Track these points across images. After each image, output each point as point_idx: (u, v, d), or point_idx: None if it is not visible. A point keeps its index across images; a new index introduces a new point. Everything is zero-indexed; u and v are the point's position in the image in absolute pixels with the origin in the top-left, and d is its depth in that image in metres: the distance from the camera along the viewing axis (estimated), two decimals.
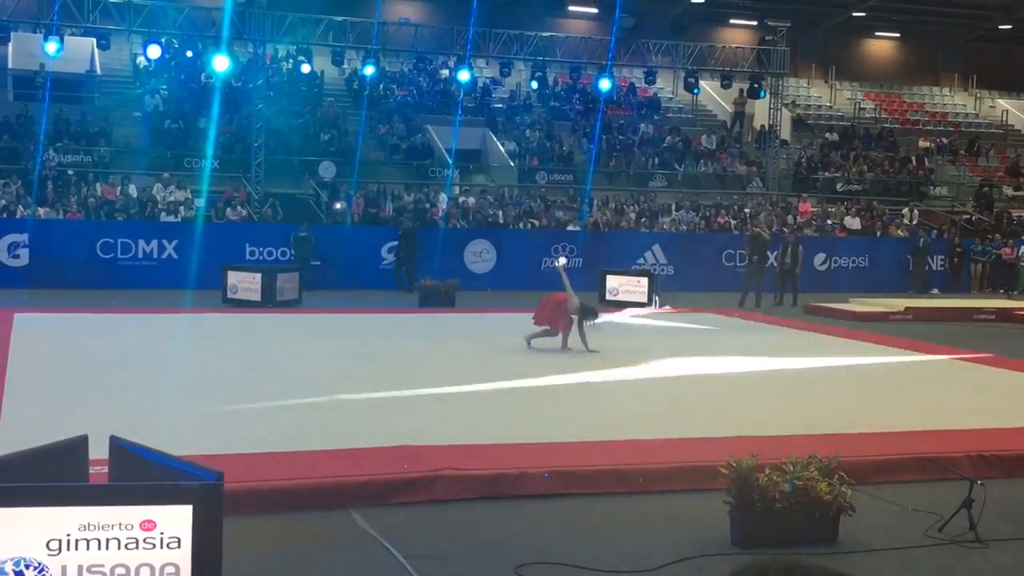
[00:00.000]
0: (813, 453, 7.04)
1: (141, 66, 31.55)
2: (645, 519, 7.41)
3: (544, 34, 31.61)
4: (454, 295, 20.88)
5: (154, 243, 23.24)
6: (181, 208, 25.20)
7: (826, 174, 35.08)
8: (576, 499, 7.75)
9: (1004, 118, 42.95)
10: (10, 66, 30.77)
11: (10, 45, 29.29)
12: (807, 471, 6.75)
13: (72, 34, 27.99)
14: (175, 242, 23.29)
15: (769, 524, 6.63)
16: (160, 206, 25.10)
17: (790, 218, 30.19)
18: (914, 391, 12.49)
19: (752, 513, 6.64)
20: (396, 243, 24.23)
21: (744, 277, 23.45)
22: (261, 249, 23.93)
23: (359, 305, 20.44)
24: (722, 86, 34.77)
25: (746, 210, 30.51)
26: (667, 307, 21.55)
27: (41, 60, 28.46)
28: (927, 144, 38.72)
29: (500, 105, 35.14)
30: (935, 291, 27.80)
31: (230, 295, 20.10)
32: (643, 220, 29.20)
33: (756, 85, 32.26)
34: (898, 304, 22.04)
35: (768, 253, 23.83)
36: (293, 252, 23.63)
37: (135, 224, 24.07)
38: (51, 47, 25.52)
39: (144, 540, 4.65)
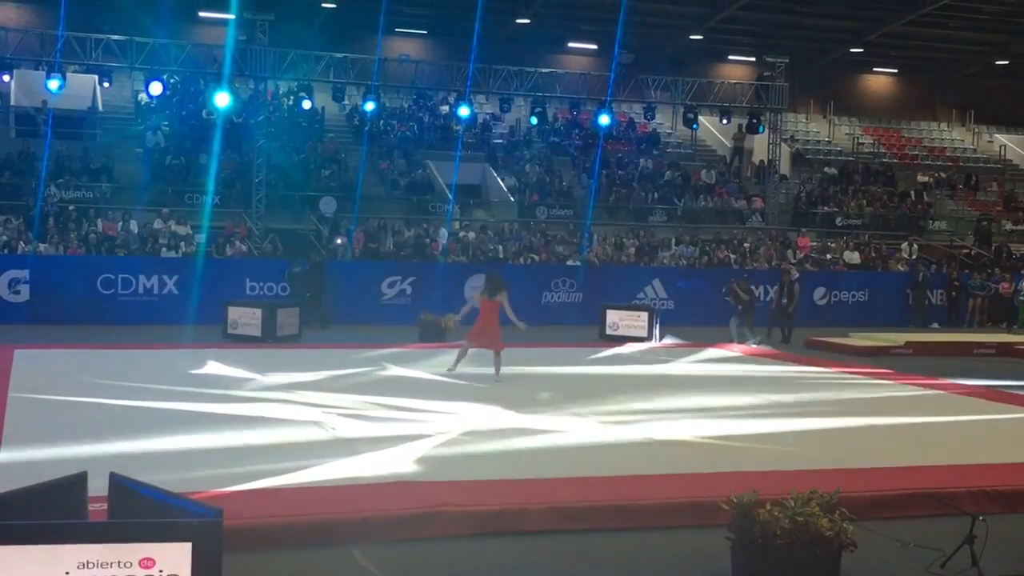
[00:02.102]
0: (814, 488, 7.01)
1: (143, 103, 31.71)
2: (647, 555, 7.38)
3: (544, 70, 31.79)
4: (454, 330, 20.85)
5: (155, 279, 23.24)
6: (182, 243, 25.24)
7: (825, 209, 35.16)
8: (577, 535, 7.72)
9: (1002, 153, 43.10)
10: (12, 103, 30.92)
11: (13, 82, 29.45)
12: (808, 507, 6.72)
13: (74, 71, 28.14)
14: (176, 277, 23.30)
15: (770, 560, 6.59)
16: (161, 241, 25.13)
17: (790, 253, 30.22)
18: (915, 426, 12.46)
19: (753, 549, 6.61)
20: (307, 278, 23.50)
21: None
22: (261, 284, 23.91)
23: (359, 340, 20.41)
24: (721, 121, 34.93)
25: (745, 244, 30.55)
26: (667, 341, 21.54)
27: (43, 97, 28.60)
28: (926, 179, 38.84)
29: (500, 140, 35.29)
30: (935, 325, 27.79)
31: (231, 330, 20.10)
32: (643, 255, 29.24)
33: (755, 120, 32.39)
34: (899, 338, 22.02)
35: (750, 307, 22.99)
36: (288, 288, 23.59)
37: (136, 260, 24.08)
38: (53, 84, 25.63)
39: None
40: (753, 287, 23.24)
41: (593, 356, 19.00)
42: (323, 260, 24.33)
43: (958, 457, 10.34)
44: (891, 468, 9.68)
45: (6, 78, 28.32)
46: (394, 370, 16.15)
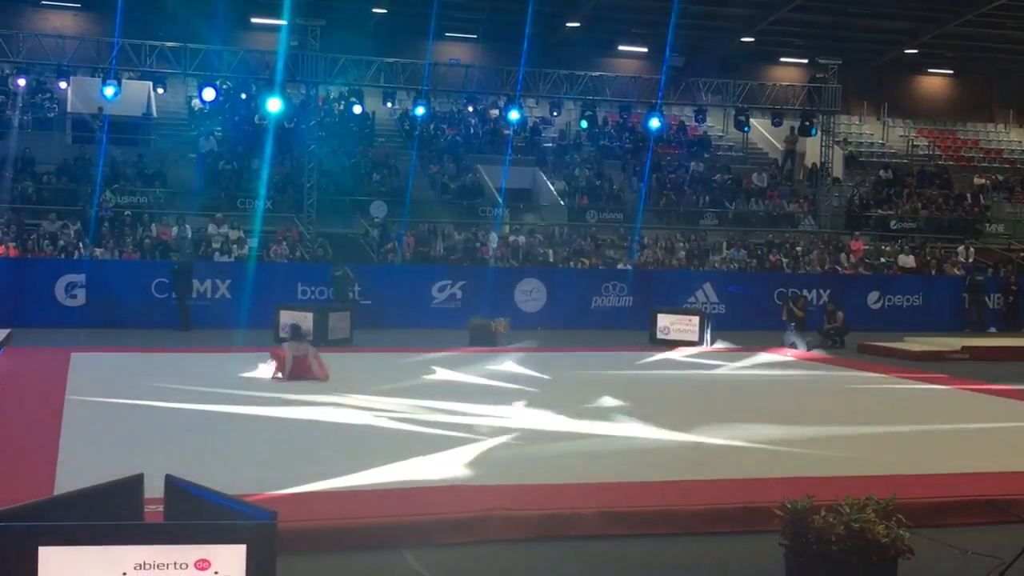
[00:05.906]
0: (870, 495, 6.92)
1: (196, 108, 32.09)
2: (699, 561, 7.33)
3: (594, 74, 31.73)
4: (504, 334, 20.87)
5: (208, 282, 23.47)
6: (234, 247, 25.47)
7: (879, 212, 34.78)
8: (629, 540, 7.68)
9: None
10: (69, 110, 31.43)
11: (69, 89, 29.93)
12: (864, 513, 6.63)
13: (129, 78, 28.52)
14: (228, 281, 23.51)
15: (825, 567, 6.51)
16: (214, 246, 25.37)
17: (843, 256, 29.92)
18: (972, 432, 12.28)
19: (808, 556, 6.54)
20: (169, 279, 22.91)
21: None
22: (313, 288, 24.05)
23: (409, 344, 20.46)
24: (773, 124, 34.68)
25: (797, 248, 30.29)
26: (718, 345, 21.39)
27: (99, 103, 29.05)
28: (982, 181, 38.26)
29: (550, 144, 35.28)
30: (992, 329, 27.35)
31: (282, 334, 20.21)
32: (694, 259, 29.08)
33: (807, 123, 32.12)
34: (955, 343, 21.70)
35: (803, 323, 22.90)
36: (331, 291, 23.64)
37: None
38: (109, 91, 26.05)
39: None
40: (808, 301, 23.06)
41: (643, 360, 18.92)
42: (188, 262, 23.59)
43: (1017, 463, 10.16)
44: (948, 475, 9.55)
45: (63, 85, 28.81)
46: (444, 374, 16.19)
